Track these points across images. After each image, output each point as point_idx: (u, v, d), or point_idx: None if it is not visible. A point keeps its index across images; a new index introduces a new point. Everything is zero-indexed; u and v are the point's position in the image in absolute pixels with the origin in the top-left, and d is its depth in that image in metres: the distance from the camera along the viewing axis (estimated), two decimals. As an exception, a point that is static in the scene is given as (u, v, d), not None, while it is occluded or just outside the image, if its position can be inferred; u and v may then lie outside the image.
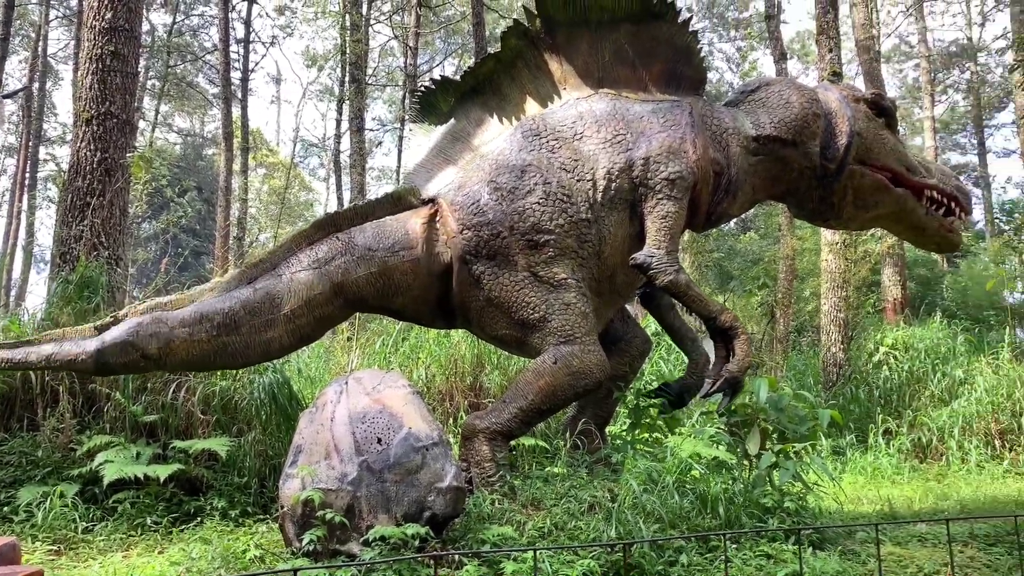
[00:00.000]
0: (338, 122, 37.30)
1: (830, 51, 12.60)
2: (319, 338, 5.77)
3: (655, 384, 6.94)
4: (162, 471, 5.69)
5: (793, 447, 5.10)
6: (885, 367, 11.54)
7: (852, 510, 6.30)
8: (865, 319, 15.17)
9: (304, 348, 7.12)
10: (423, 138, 6.13)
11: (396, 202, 5.61)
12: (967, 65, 40.48)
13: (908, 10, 36.87)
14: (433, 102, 6.05)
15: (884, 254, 17.00)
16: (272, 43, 33.30)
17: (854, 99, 5.83)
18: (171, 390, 6.31)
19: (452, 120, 6.01)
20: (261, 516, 5.73)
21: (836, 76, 12.48)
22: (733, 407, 5.35)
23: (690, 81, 5.84)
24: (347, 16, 31.91)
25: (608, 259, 5.42)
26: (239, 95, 29.07)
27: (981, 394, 9.72)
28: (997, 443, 9.30)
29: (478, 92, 5.95)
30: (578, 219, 5.27)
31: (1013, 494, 7.13)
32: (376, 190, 44.60)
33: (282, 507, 4.18)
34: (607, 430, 6.16)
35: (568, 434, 5.73)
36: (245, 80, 30.43)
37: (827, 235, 12.52)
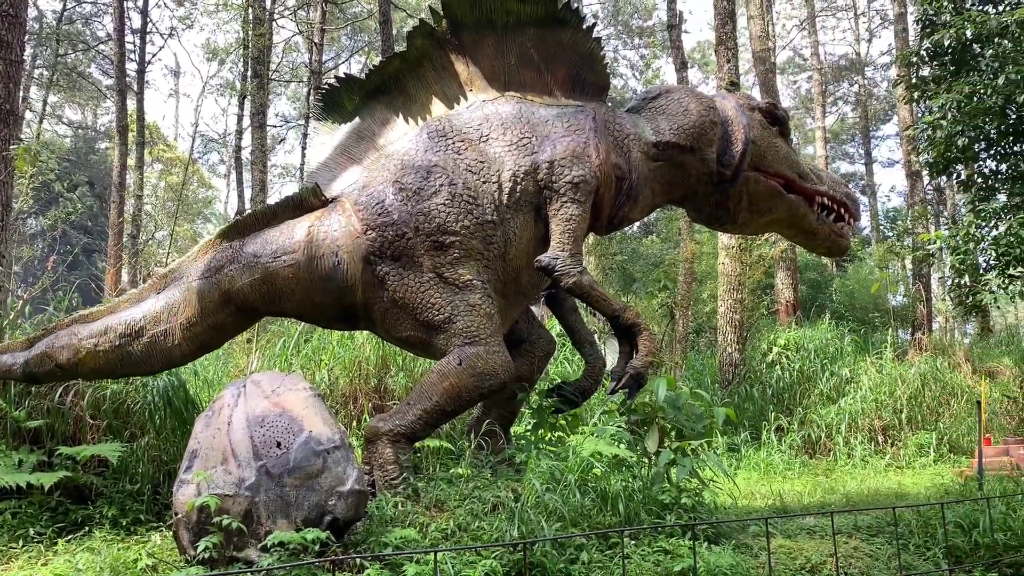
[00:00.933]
0: (239, 118, 36.26)
1: (728, 61, 13.03)
2: (220, 346, 5.76)
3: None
4: (46, 479, 5.44)
5: (690, 444, 5.25)
6: (778, 366, 12.00)
7: (746, 505, 6.53)
8: (759, 320, 15.74)
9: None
10: (327, 136, 6.04)
11: (299, 204, 5.52)
12: (855, 78, 42.55)
13: (802, 24, 38.51)
14: (338, 100, 5.97)
15: (777, 258, 17.67)
16: (171, 34, 32.21)
17: (749, 108, 6.04)
18: (58, 394, 6.02)
19: (357, 119, 5.94)
20: (155, 524, 5.55)
21: (734, 85, 12.91)
22: (633, 406, 5.47)
23: (594, 87, 5.94)
24: (250, 9, 31.15)
25: (513, 261, 5.46)
26: (135, 87, 27.94)
27: (866, 392, 10.24)
28: (880, 439, 9.81)
29: (383, 91, 5.90)
30: (484, 221, 5.29)
31: (894, 487, 7.54)
32: (279, 188, 43.60)
33: (176, 514, 4.05)
34: (511, 430, 6.20)
35: (473, 435, 5.74)
36: (141, 72, 29.25)
37: (724, 239, 12.94)
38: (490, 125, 5.58)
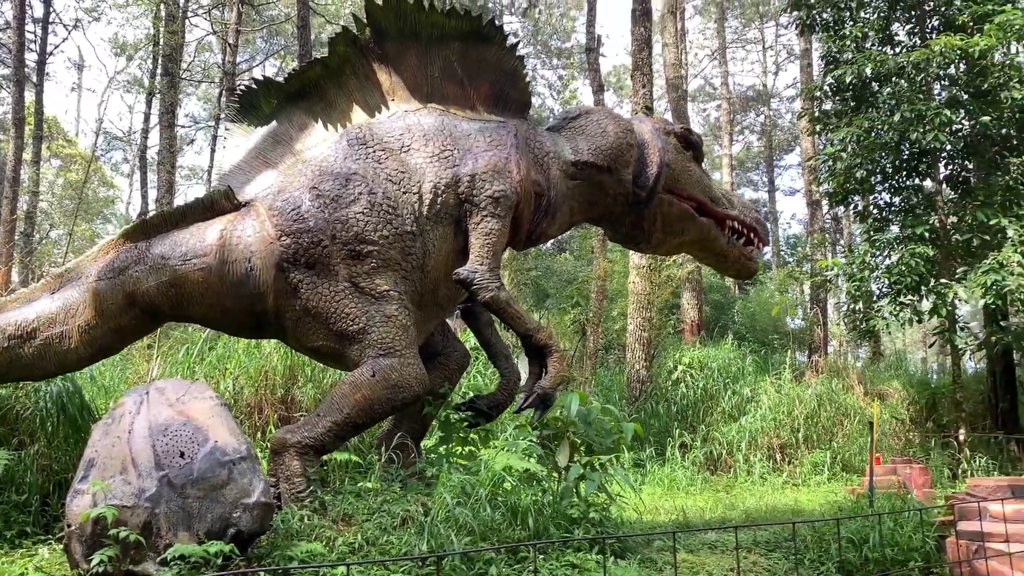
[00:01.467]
0: (147, 116, 35.05)
1: (644, 86, 13.35)
2: (120, 350, 5.53)
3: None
4: (-79, 489, 5.11)
5: (599, 459, 5.32)
6: (682, 384, 12.30)
7: (651, 520, 6.65)
8: (666, 339, 16.11)
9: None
10: (242, 139, 5.90)
11: (209, 207, 5.37)
12: (762, 109, 44.19)
13: (713, 54, 39.82)
14: (255, 102, 5.85)
15: (684, 279, 18.14)
16: (75, 26, 30.82)
17: (665, 132, 6.20)
18: (-62, 398, 5.68)
19: (274, 122, 5.83)
20: (43, 537, 5.29)
21: (648, 110, 13.24)
22: (545, 420, 5.51)
23: (515, 104, 6.00)
24: (162, 5, 30.20)
25: (431, 273, 5.44)
26: (34, 79, 26.65)
27: (765, 411, 10.59)
28: (778, 456, 10.16)
29: (303, 96, 5.82)
30: (403, 231, 5.26)
31: (790, 503, 7.81)
32: (186, 190, 42.26)
33: (69, 525, 3.86)
34: (421, 444, 6.15)
35: (384, 448, 5.67)
36: (42, 63, 27.91)
37: (635, 259, 13.22)
38: (412, 135, 5.56)
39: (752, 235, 6.39)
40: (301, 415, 7.50)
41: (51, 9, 29.53)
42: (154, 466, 3.92)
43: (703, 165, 6.41)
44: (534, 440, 5.48)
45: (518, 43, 6.03)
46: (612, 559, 4.62)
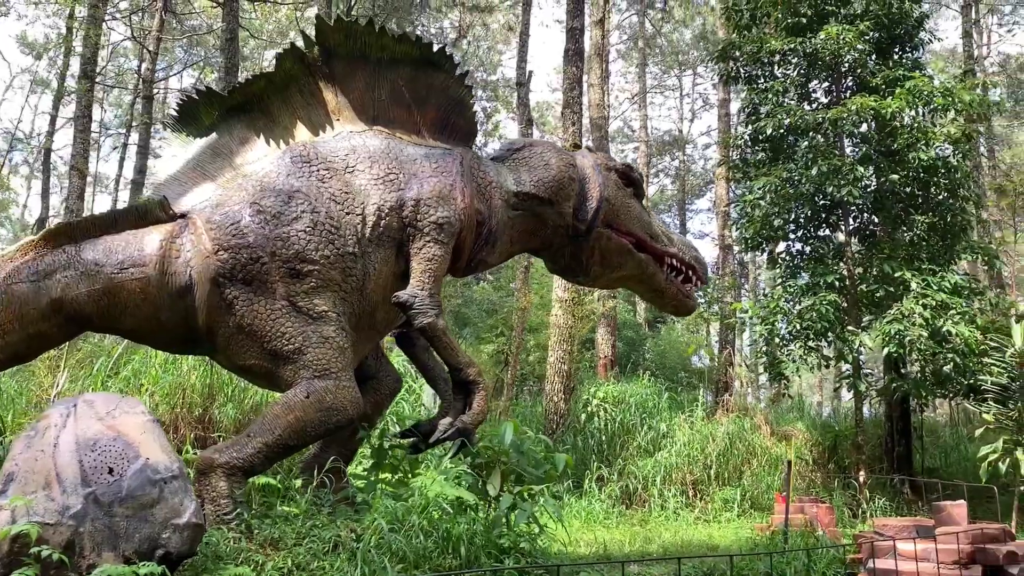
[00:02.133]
0: (53, 118, 33.70)
1: (573, 124, 13.65)
2: (33, 358, 5.21)
3: (403, 423, 6.95)
4: None
5: (530, 489, 5.34)
6: (596, 418, 12.46)
7: (572, 551, 6.69)
8: (581, 373, 16.30)
9: None
10: (179, 149, 5.76)
11: (143, 215, 5.20)
12: (677, 154, 45.57)
13: (633, 98, 40.96)
14: (195, 113, 5.72)
15: (600, 314, 18.45)
16: (-20, 19, 29.46)
17: (606, 168, 6.32)
18: None
19: (214, 134, 5.71)
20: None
21: (576, 147, 13.51)
22: (476, 449, 5.50)
23: (461, 132, 6.04)
24: (76, 5, 29.14)
25: (371, 295, 5.39)
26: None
27: (680, 447, 10.82)
28: (690, 492, 10.37)
29: (245, 109, 5.72)
30: (345, 252, 5.21)
31: (704, 538, 7.98)
32: (96, 198, 40.56)
33: (-18, 544, 3.62)
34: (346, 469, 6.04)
35: (316, 472, 5.53)
36: (-59, 55, 26.58)
37: (558, 292, 13.38)
38: (357, 156, 5.53)
39: (691, 273, 6.48)
40: (219, 436, 7.29)
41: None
42: (80, 482, 3.74)
43: (643, 202, 6.56)
44: (467, 468, 5.47)
45: (467, 72, 6.10)
46: (542, 589, 4.63)
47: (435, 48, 5.83)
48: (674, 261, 6.38)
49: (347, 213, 5.31)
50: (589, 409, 13.01)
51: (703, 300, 22.79)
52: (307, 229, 5.12)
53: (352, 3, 25.97)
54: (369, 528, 4.55)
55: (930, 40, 12.77)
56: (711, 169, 43.16)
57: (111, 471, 3.82)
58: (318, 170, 5.40)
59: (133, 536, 3.74)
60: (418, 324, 5.25)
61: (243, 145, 5.68)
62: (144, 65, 28.74)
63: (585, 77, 21.83)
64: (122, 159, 36.66)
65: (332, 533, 4.62)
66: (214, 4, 29.15)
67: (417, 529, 4.66)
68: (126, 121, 35.61)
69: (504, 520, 5.13)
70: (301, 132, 5.71)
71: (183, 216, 5.22)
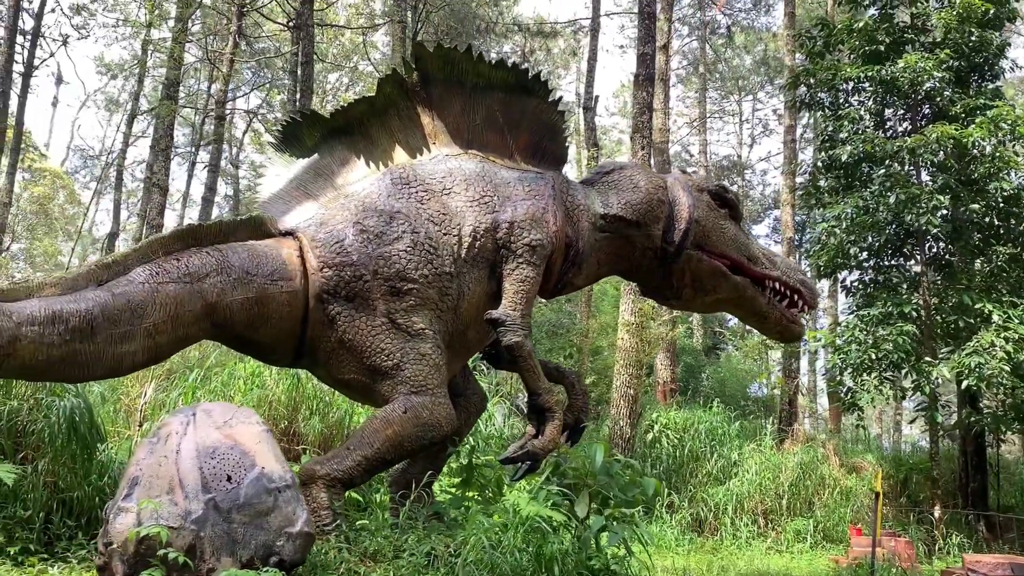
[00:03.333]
0: (126, 137, 34.90)
1: (643, 148, 13.68)
2: (166, 359, 5.31)
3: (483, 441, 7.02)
4: (-71, 498, 4.97)
5: (620, 512, 5.36)
6: (665, 443, 12.39)
7: (654, 577, 6.66)
8: (643, 398, 16.24)
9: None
10: (282, 168, 5.96)
11: (257, 227, 5.36)
12: (736, 179, 45.24)
13: (693, 123, 40.88)
14: (298, 134, 5.93)
15: (662, 340, 18.37)
16: (64, 42, 30.69)
17: (698, 189, 6.25)
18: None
19: (316, 155, 5.90)
20: (44, 555, 5.16)
21: (631, 161, 13.55)
22: (564, 469, 5.54)
23: (553, 156, 6.14)
24: (151, 29, 30.17)
25: (464, 314, 5.50)
26: (16, 91, 26.42)
27: (752, 476, 10.69)
28: (762, 521, 10.24)
29: (346, 132, 5.90)
30: (442, 272, 5.33)
31: (781, 569, 7.88)
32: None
33: (110, 544, 3.78)
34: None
35: (402, 487, 5.62)
36: (28, 75, 27.74)
37: (624, 316, 13.37)
38: (453, 179, 5.66)
39: (796, 297, 6.29)
40: (305, 448, 7.45)
41: (42, 23, 29.42)
42: (201, 488, 3.89)
43: (743, 223, 6.39)
44: (557, 489, 5.50)
45: (561, 98, 6.21)
46: (635, 612, 4.64)
47: (530, 75, 5.95)
48: (777, 284, 6.23)
49: (444, 234, 5.43)
50: (651, 435, 12.96)
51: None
52: (407, 249, 5.25)
53: (419, 28, 26.46)
54: (468, 543, 4.61)
55: (1012, 68, 12.54)
56: (770, 195, 42.77)
57: (229, 479, 3.96)
58: (417, 192, 5.54)
59: (250, 543, 3.87)
60: (506, 342, 5.33)
61: (344, 166, 5.86)
62: (216, 86, 29.62)
63: (649, 102, 21.94)
64: (190, 176, 37.80)
65: (428, 547, 4.69)
66: (283, 28, 30.02)
67: (512, 546, 4.70)
68: (195, 140, 36.64)
69: (594, 542, 5.15)
70: (399, 154, 5.86)
71: (289, 233, 5.40)
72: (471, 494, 5.84)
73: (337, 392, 7.35)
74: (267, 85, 39.16)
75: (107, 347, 4.43)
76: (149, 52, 31.34)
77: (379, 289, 5.17)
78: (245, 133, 42.68)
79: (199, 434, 4.09)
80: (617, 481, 5.53)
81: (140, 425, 7.99)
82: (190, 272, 4.77)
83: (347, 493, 6.71)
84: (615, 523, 5.17)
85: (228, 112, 32.12)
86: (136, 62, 33.71)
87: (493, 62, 5.95)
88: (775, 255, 6.45)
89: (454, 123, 5.96)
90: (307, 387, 7.71)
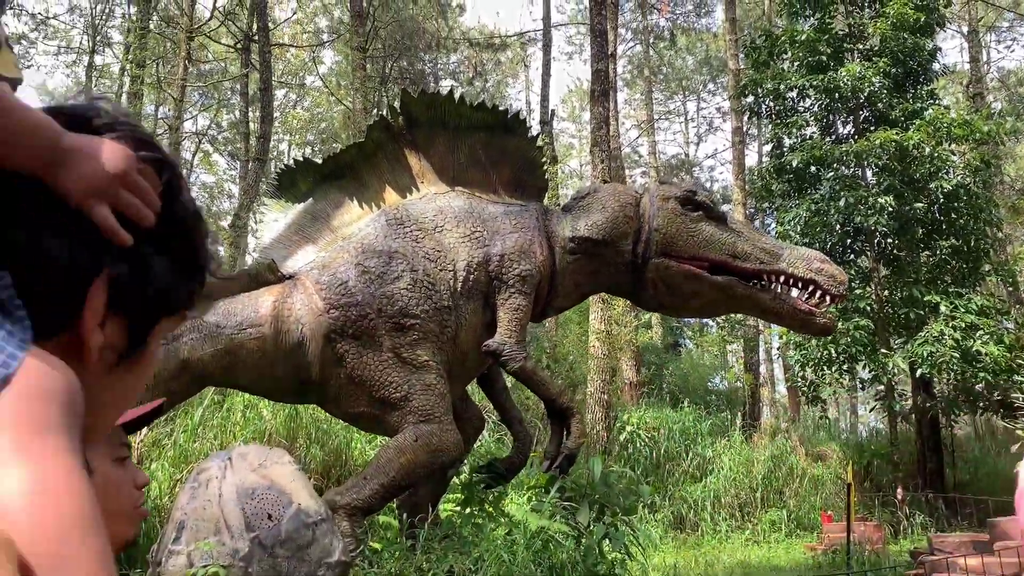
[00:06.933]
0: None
1: (602, 161, 14.17)
2: (162, 415, 5.65)
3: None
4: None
5: (619, 518, 5.78)
6: (636, 443, 12.86)
7: (648, 576, 7.10)
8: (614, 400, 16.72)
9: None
10: (279, 214, 6.28)
11: (254, 278, 5.69)
12: (685, 177, 46.24)
13: (640, 124, 41.72)
14: (293, 180, 6.24)
15: (624, 342, 18.86)
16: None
17: (663, 198, 6.18)
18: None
19: (311, 200, 6.23)
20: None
21: (605, 184, 14.05)
22: (563, 483, 5.95)
23: (534, 188, 6.53)
24: (93, 54, 29.85)
25: (462, 344, 5.86)
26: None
27: (727, 472, 11.22)
28: (738, 515, 10.77)
29: (338, 176, 6.24)
30: (441, 306, 5.69)
31: (762, 560, 8.38)
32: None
33: (165, 586, 4.08)
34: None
35: (411, 510, 5.95)
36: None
37: (594, 324, 13.84)
38: (444, 217, 6.03)
39: (813, 288, 5.87)
40: (308, 477, 7.73)
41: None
42: (245, 528, 4.20)
43: (726, 222, 6.19)
44: (556, 501, 5.90)
45: (539, 135, 6.61)
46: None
47: (509, 115, 6.34)
48: (782, 278, 5.92)
49: (440, 270, 5.80)
50: (623, 436, 13.42)
51: (726, 324, 23.18)
52: (408, 287, 5.61)
53: (368, 44, 26.66)
54: (487, 557, 4.98)
55: (944, 72, 13.31)
56: (719, 191, 43.73)
57: (270, 516, 4.28)
58: (411, 231, 5.90)
59: (294, 574, 4.20)
60: (510, 369, 5.72)
61: (338, 208, 6.20)
62: (163, 109, 29.45)
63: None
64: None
65: (446, 565, 5.05)
66: (231, 48, 29.98)
67: (526, 560, 5.09)
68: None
69: (597, 549, 5.56)
70: (390, 195, 6.21)
71: (291, 277, 5.72)
72: (474, 510, 6.21)
73: (334, 419, 7.70)
74: (213, 106, 39.00)
75: None
76: (93, 78, 31.02)
77: (384, 326, 5.51)
78: (194, 155, 42.33)
79: (237, 477, 4.40)
80: (613, 489, 5.95)
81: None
82: (167, 334, 5.13)
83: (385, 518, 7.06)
84: (615, 529, 5.58)
85: (182, 137, 31.89)
86: (82, 89, 33.23)
87: (474, 104, 6.33)
88: (782, 247, 6.09)
89: (439, 162, 6.32)
90: (304, 417, 8.00)
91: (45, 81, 44.95)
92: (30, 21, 34.24)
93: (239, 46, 27.66)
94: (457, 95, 6.27)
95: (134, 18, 22.15)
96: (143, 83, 16.38)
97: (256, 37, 18.47)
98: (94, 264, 0.81)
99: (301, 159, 6.28)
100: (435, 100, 6.24)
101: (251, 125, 28.11)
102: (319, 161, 6.29)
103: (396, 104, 6.26)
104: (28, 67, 34.44)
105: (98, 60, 32.81)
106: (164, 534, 4.31)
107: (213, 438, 7.73)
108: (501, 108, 6.37)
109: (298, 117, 42.90)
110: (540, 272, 6.04)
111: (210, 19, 26.63)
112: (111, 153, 0.84)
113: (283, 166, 6.28)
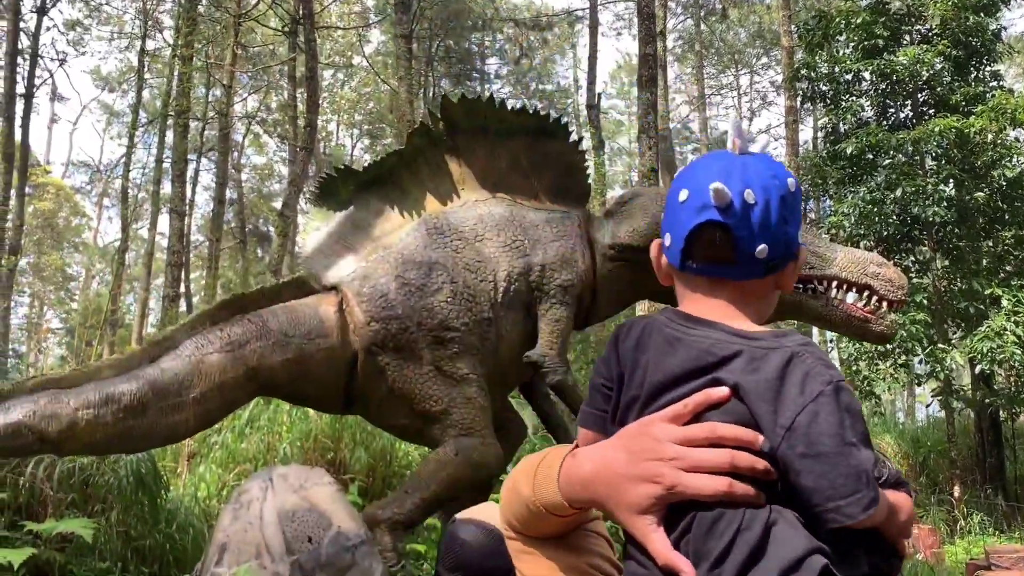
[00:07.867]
0: (129, 151, 35.13)
1: (650, 148, 13.93)
2: (219, 421, 5.67)
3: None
4: (15, 556, 5.28)
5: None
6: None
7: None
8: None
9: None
10: (321, 222, 6.26)
11: (302, 285, 5.69)
12: (736, 154, 45.37)
13: (692, 100, 41.03)
14: (334, 189, 6.21)
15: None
16: (63, 60, 31.00)
17: None
18: (29, 467, 5.88)
19: (352, 208, 6.19)
20: (126, 607, 5.50)
21: (654, 172, 13.81)
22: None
23: (576, 193, 6.40)
24: (145, 39, 30.30)
25: (503, 356, 5.80)
26: (19, 112, 26.72)
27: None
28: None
29: (378, 183, 6.19)
30: (481, 318, 5.63)
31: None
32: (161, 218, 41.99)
33: (208, 609, 4.13)
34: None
35: (447, 515, 5.97)
36: (29, 97, 28.00)
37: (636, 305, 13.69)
38: (484, 225, 5.95)
39: (868, 293, 5.39)
40: (349, 478, 7.79)
41: (39, 43, 29.64)
42: (285, 551, 4.22)
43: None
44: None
45: (581, 139, 6.48)
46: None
47: (551, 119, 6.22)
48: (835, 283, 5.55)
49: (481, 281, 5.73)
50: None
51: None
52: (448, 299, 5.56)
53: (414, 25, 26.58)
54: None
55: (1009, 53, 12.75)
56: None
57: (310, 540, 4.30)
58: (451, 240, 5.84)
59: (334, 598, 4.22)
60: (550, 381, 5.64)
61: (379, 217, 6.15)
62: (214, 93, 29.86)
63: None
64: (194, 185, 38.03)
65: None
66: (278, 32, 30.16)
67: None
68: (195, 148, 36.82)
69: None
70: (431, 203, 6.15)
71: (333, 288, 5.71)
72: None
73: (378, 422, 7.73)
74: (263, 88, 39.37)
75: (159, 419, 4.80)
76: (146, 63, 31.51)
77: (424, 339, 5.47)
78: (245, 137, 42.93)
79: (278, 499, 4.42)
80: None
81: (188, 460, 8.36)
82: (231, 341, 5.09)
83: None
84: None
85: (232, 121, 32.30)
86: (133, 73, 33.92)
87: (515, 109, 6.22)
88: (836, 249, 5.68)
89: (480, 169, 6.24)
90: (349, 418, 8.02)
91: (99, 66, 45.85)
92: (84, 7, 34.92)
93: (286, 29, 27.80)
94: (498, 100, 6.17)
95: (184, 3, 22.44)
96: (194, 68, 16.53)
97: (302, 21, 18.49)
98: None
99: (342, 167, 6.24)
100: (476, 105, 6.14)
101: (299, 106, 28.32)
102: (360, 169, 6.25)
103: (436, 110, 6.19)
104: (83, 53, 35.20)
105: (150, 45, 33.31)
106: (207, 555, 4.36)
107: (260, 439, 7.83)
108: (543, 112, 6.26)
109: (346, 97, 43.12)
110: (582, 281, 5.93)
111: (258, 3, 26.86)
112: None
113: (324, 174, 6.25)
